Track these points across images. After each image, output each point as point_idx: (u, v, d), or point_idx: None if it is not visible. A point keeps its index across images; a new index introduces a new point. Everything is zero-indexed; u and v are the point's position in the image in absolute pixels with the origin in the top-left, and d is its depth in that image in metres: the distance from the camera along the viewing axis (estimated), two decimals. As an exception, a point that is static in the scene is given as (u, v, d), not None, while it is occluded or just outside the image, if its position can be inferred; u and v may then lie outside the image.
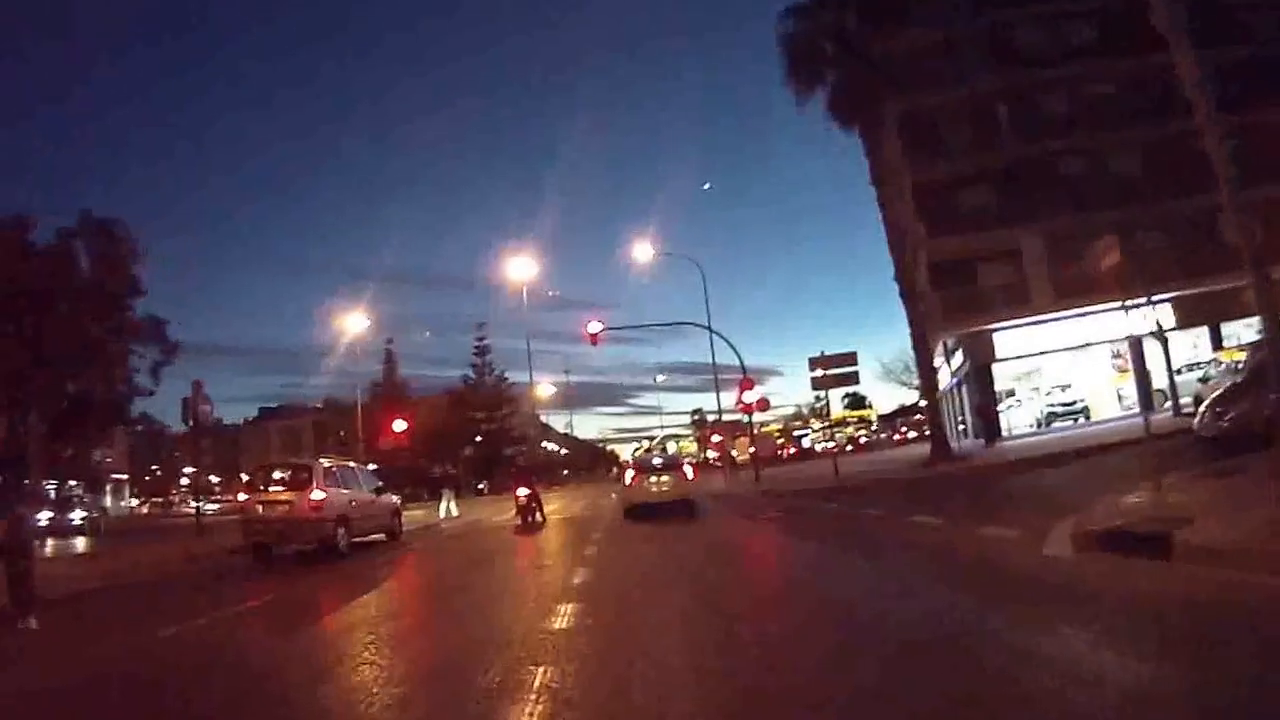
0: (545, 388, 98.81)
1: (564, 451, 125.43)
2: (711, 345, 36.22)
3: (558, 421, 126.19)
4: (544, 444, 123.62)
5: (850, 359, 23.86)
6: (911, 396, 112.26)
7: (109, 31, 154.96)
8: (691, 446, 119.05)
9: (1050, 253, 32.50)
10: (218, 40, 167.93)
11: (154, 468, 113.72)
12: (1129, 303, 27.21)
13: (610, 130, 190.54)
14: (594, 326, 33.82)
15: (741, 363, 32.43)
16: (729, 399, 53.02)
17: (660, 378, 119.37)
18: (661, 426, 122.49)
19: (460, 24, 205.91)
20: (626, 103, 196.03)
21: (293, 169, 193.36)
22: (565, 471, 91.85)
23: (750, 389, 32.03)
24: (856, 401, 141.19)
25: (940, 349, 38.91)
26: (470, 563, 14.78)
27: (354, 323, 58.82)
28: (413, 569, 15.57)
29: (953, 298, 31.79)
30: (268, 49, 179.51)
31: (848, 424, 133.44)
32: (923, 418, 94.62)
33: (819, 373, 23.77)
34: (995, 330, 32.32)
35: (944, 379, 44.65)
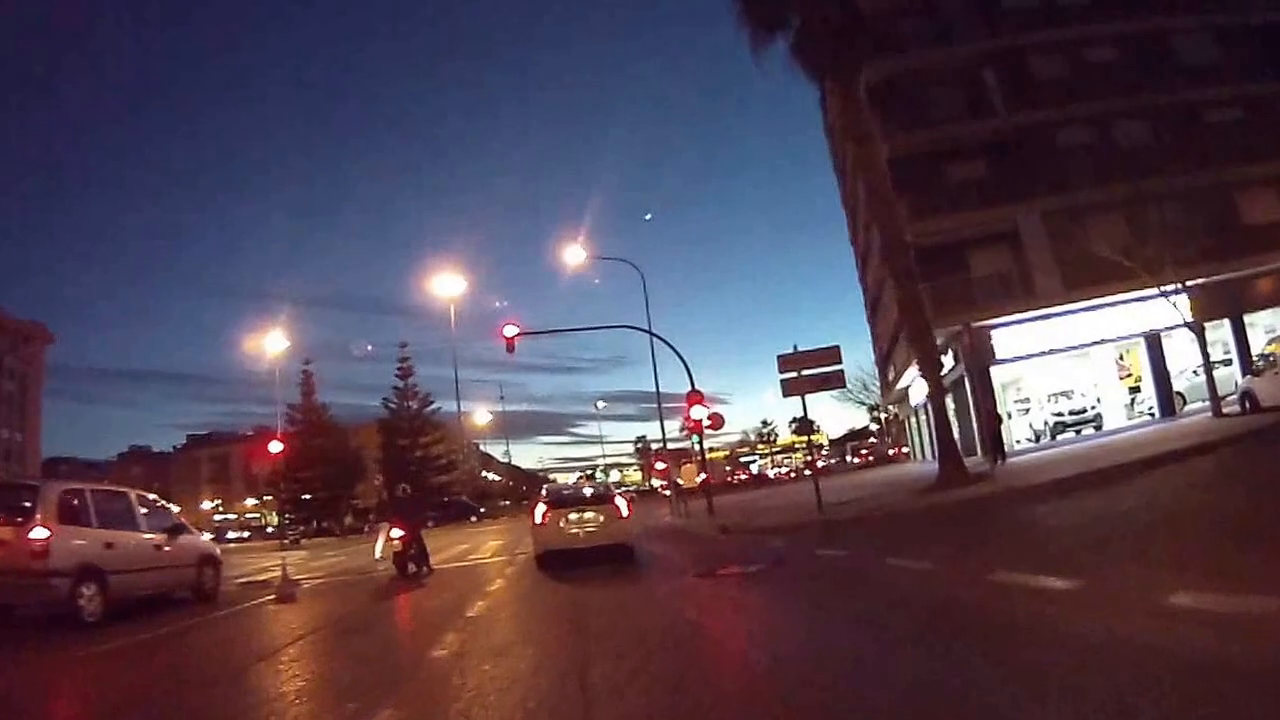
0: (482, 414, 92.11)
1: (510, 482, 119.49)
2: (653, 356, 30.71)
3: (498, 450, 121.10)
4: (484, 473, 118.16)
5: (831, 355, 18.20)
6: (862, 420, 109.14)
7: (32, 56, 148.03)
8: (636, 476, 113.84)
9: (1052, 234, 27.57)
10: (150, 62, 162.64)
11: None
12: (1150, 291, 22.43)
13: (546, 155, 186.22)
14: (509, 330, 28.29)
15: (689, 372, 26.77)
16: (674, 427, 47.34)
17: (600, 404, 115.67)
18: (604, 456, 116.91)
19: (397, 38, 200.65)
20: (566, 124, 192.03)
21: (225, 192, 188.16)
22: (505, 501, 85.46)
23: (699, 404, 26.34)
24: (805, 426, 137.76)
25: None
26: (255, 656, 8.64)
27: (275, 345, 53.35)
28: (138, 669, 9.27)
29: (941, 289, 26.50)
30: (203, 72, 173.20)
31: (796, 449, 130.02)
32: (875, 442, 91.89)
33: (791, 374, 18.05)
34: (995, 326, 27.14)
35: (919, 391, 39.49)
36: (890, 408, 60.27)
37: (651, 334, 29.06)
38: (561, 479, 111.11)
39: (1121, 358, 30.89)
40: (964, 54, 30.19)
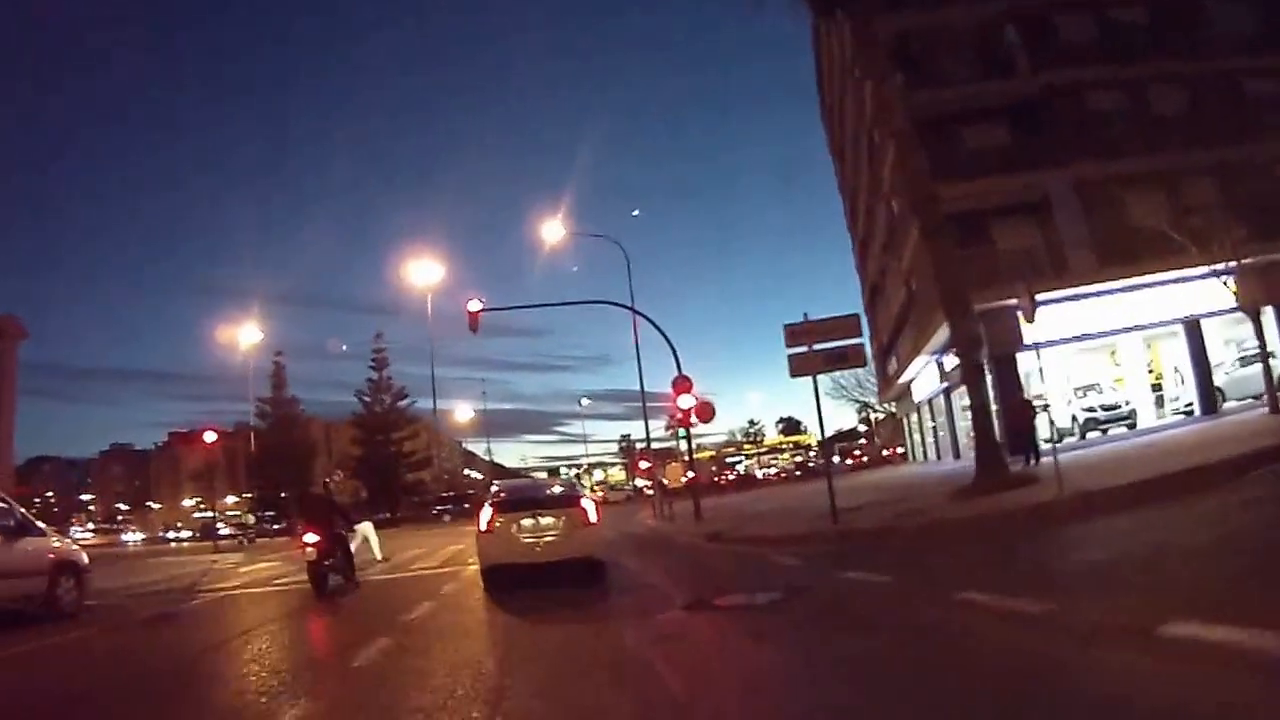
0: (464, 412, 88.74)
1: (491, 480, 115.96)
2: (635, 337, 27.36)
3: (481, 448, 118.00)
4: (467, 471, 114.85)
5: (848, 326, 14.90)
6: (849, 420, 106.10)
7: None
8: (621, 475, 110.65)
9: (1086, 206, 24.60)
10: (129, 61, 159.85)
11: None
12: (1193, 271, 19.47)
13: (527, 151, 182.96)
14: (473, 305, 25.14)
15: (675, 355, 23.57)
16: (660, 426, 44.09)
17: (585, 401, 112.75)
18: (587, 455, 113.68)
19: (372, 27, 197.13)
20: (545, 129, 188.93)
21: (206, 189, 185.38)
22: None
23: (686, 392, 23.12)
24: (792, 426, 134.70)
25: (920, 343, 30.56)
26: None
27: (249, 337, 50.37)
28: None
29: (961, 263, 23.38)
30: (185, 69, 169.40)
31: (783, 450, 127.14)
32: (864, 443, 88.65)
33: (799, 349, 14.78)
34: (1022, 307, 23.95)
35: (926, 383, 36.37)
36: (886, 406, 57.16)
37: (634, 310, 26.00)
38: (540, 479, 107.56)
39: (1147, 348, 28.02)
40: (983, 10, 27.22)
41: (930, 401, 38.06)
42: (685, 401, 22.96)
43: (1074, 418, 25.77)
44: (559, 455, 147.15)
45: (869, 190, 37.43)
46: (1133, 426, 25.24)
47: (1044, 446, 23.51)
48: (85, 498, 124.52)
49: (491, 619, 9.00)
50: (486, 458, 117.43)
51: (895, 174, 24.84)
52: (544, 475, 59.48)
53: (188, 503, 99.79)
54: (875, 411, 68.12)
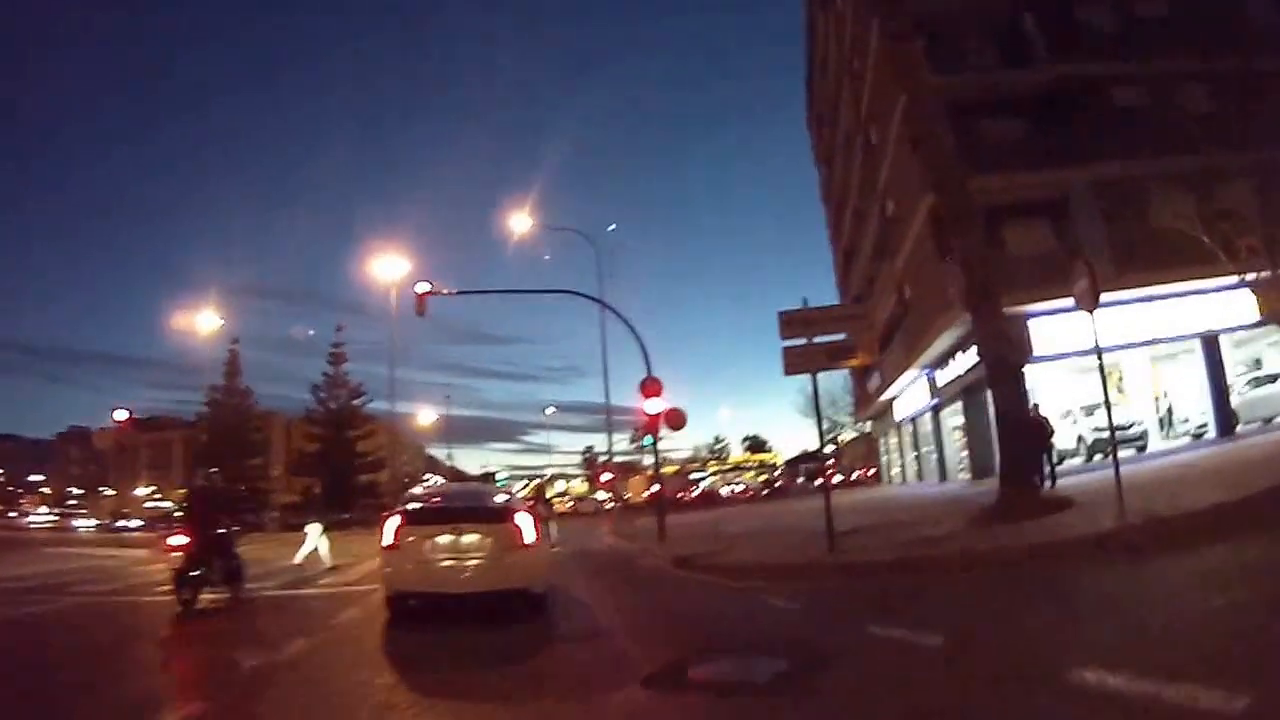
0: (428, 415, 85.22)
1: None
2: (603, 339, 24.93)
3: (444, 453, 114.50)
4: (427, 476, 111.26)
5: (855, 316, 12.34)
6: (815, 440, 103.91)
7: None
8: (584, 487, 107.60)
9: (1106, 208, 22.33)
10: (95, 47, 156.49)
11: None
12: (1216, 282, 17.06)
13: (497, 152, 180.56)
14: (421, 287, 22.41)
15: (645, 354, 20.91)
16: (622, 440, 41.33)
17: (550, 410, 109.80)
18: (551, 465, 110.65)
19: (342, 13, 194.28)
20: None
21: (172, 179, 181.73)
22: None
23: (656, 395, 20.44)
24: (757, 444, 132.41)
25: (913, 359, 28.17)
26: None
27: (208, 323, 47.34)
28: None
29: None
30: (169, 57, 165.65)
31: (748, 468, 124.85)
32: (832, 465, 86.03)
33: (797, 341, 12.12)
34: (1033, 315, 21.64)
35: (911, 401, 33.97)
36: (859, 426, 54.81)
37: (601, 302, 23.36)
38: (515, 490, 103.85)
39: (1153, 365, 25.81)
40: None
41: (914, 420, 35.67)
42: (654, 406, 20.28)
43: (1080, 438, 23.42)
44: (523, 465, 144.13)
45: (860, 195, 35.13)
46: (1143, 449, 22.97)
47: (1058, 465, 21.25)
48: (37, 478, 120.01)
49: (363, 686, 6.22)
50: (448, 463, 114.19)
51: (919, 143, 22.51)
52: (478, 482, 53.74)
53: (141, 491, 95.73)
54: (851, 431, 65.37)
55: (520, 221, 28.52)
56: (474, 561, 8.84)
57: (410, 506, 9.63)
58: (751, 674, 5.81)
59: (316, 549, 17.67)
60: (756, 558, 12.73)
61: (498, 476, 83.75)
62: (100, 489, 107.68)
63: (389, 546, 9.03)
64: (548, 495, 30.23)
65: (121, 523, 69.06)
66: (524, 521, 9.22)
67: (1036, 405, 18.06)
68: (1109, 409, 12.58)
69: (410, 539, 8.96)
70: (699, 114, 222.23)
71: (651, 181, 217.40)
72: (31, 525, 68.74)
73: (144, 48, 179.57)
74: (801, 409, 65.88)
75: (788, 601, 8.67)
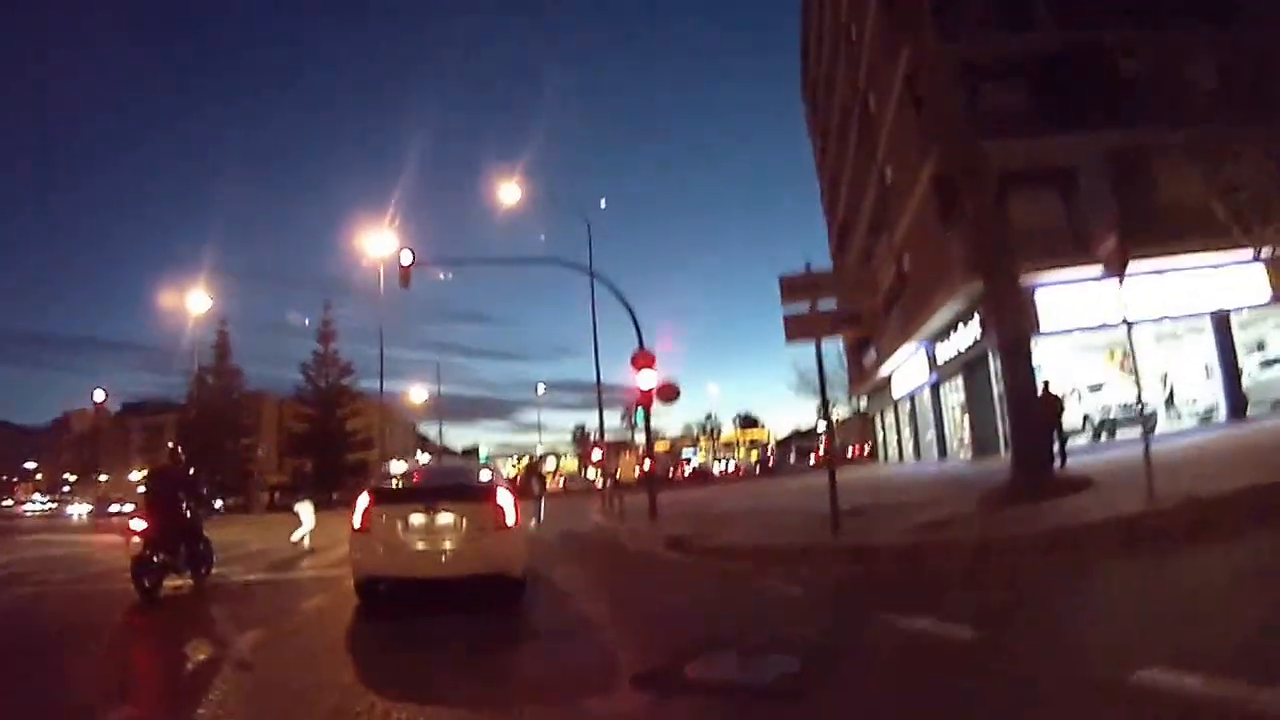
0: (419, 394, 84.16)
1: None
2: (594, 312, 24.14)
3: (435, 432, 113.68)
4: (419, 454, 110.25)
5: (862, 281, 11.60)
6: (809, 418, 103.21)
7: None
8: (574, 465, 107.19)
9: (1116, 177, 21.58)
10: (78, 33, 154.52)
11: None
12: (1229, 257, 16.35)
13: (487, 125, 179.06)
14: (405, 258, 21.48)
15: (637, 326, 20.09)
16: (613, 417, 40.56)
17: (541, 388, 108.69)
18: (542, 444, 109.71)
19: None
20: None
21: (162, 164, 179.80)
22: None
23: (648, 367, 19.65)
24: (749, 422, 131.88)
25: (915, 332, 27.42)
26: None
27: (198, 305, 46.57)
28: None
29: (973, 238, 20.34)
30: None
31: (738, 445, 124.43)
32: (824, 443, 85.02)
33: (799, 307, 11.30)
34: (1041, 286, 20.90)
35: (909, 377, 33.25)
36: (854, 403, 54.12)
37: (590, 272, 22.55)
38: (505, 468, 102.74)
39: (1125, 354, 25.04)
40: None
41: (912, 397, 34.95)
42: (646, 379, 19.48)
43: (1086, 417, 22.73)
44: (514, 443, 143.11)
45: (857, 165, 34.27)
46: (1151, 430, 22.21)
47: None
48: (30, 466, 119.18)
49: (315, 687, 5.47)
50: (439, 442, 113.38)
51: (914, 118, 21.75)
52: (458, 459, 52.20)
53: (135, 475, 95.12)
54: (845, 407, 64.56)
55: (509, 192, 27.51)
56: (449, 544, 8.12)
57: (382, 485, 8.88)
58: (757, 674, 5.08)
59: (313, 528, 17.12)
60: (754, 539, 11.99)
61: (483, 453, 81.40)
62: (94, 474, 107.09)
63: (358, 529, 8.30)
64: (541, 470, 29.23)
65: (115, 507, 68.38)
66: (505, 501, 8.48)
67: (1047, 382, 17.30)
68: (1139, 384, 12.06)
69: (381, 520, 8.22)
70: (689, 88, 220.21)
71: (640, 158, 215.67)
72: (26, 514, 68.29)
73: (125, 29, 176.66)
74: (794, 385, 65.24)
75: (792, 587, 7.94)
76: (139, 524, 10.35)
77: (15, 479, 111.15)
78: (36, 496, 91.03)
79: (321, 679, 5.58)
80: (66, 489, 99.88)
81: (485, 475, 9.62)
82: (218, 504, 66.27)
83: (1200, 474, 10.32)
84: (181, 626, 8.38)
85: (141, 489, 11.58)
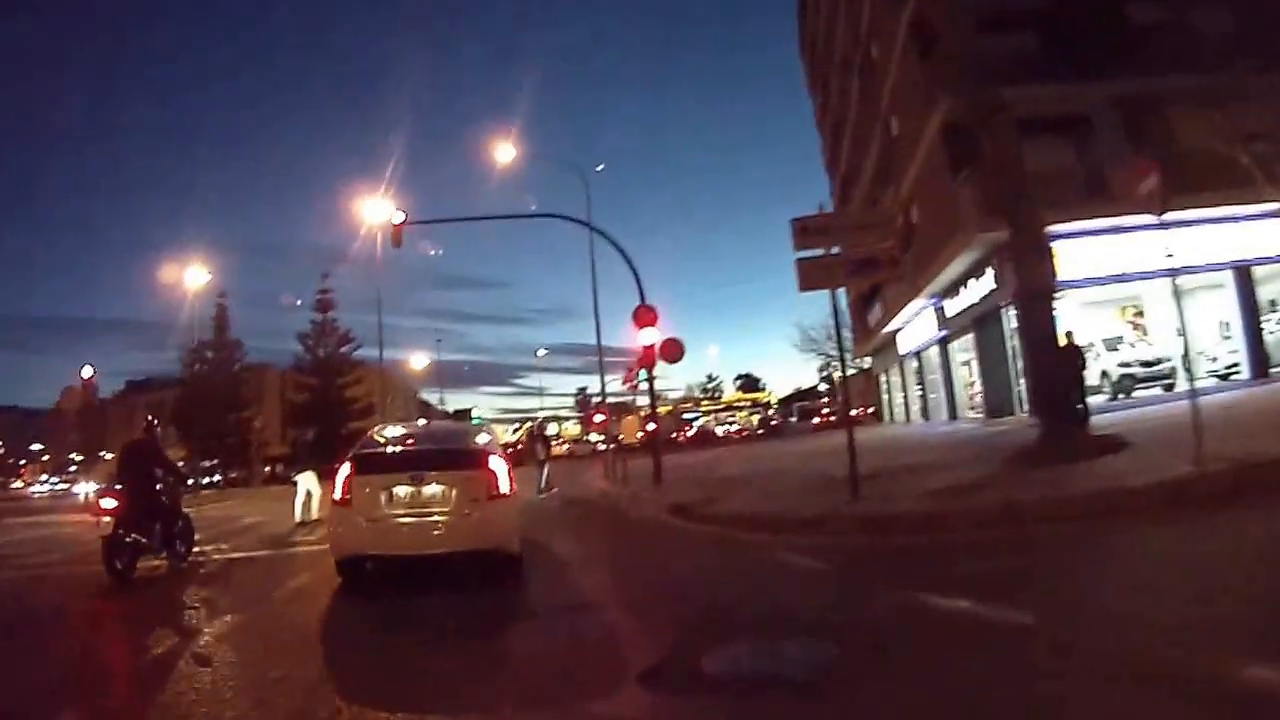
0: (419, 361, 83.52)
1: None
2: (593, 270, 23.44)
3: (436, 399, 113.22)
4: (420, 421, 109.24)
5: (882, 222, 10.76)
6: (810, 378, 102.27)
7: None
8: (575, 429, 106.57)
9: (1129, 124, 20.73)
10: (71, 12, 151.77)
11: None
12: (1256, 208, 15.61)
13: (482, 90, 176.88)
14: (396, 217, 20.76)
15: (638, 279, 19.34)
16: (615, 380, 39.77)
17: (541, 352, 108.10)
18: (543, 409, 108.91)
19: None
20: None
21: (159, 139, 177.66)
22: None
23: (650, 325, 18.91)
24: (751, 383, 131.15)
25: (920, 288, 26.63)
26: None
27: (195, 279, 45.98)
28: None
29: (988, 187, 19.52)
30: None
31: (741, 407, 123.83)
32: (828, 403, 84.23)
33: (814, 251, 10.40)
34: (1059, 236, 20.05)
35: (916, 334, 32.54)
36: (858, 362, 53.35)
37: (589, 226, 21.78)
38: (504, 434, 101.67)
39: (1138, 313, 24.30)
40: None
41: (919, 355, 34.21)
42: (648, 336, 18.73)
43: (1105, 374, 22.00)
44: (515, 408, 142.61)
45: (859, 118, 33.27)
46: (1170, 388, 21.54)
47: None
48: (36, 447, 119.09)
49: (280, 683, 4.81)
50: (441, 407, 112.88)
51: (921, 65, 20.86)
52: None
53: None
54: (849, 368, 63.55)
55: (504, 152, 26.63)
56: (438, 517, 7.43)
57: (363, 452, 8.16)
58: (784, 666, 4.39)
59: (310, 499, 16.39)
60: (765, 506, 11.32)
61: (475, 414, 76.76)
62: (100, 454, 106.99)
63: (338, 501, 7.62)
64: (547, 433, 28.50)
65: (120, 485, 68.06)
66: (499, 467, 7.78)
67: (1070, 333, 16.48)
68: (1185, 339, 11.20)
69: (363, 491, 7.53)
70: (685, 43, 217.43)
71: (635, 115, 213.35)
72: (34, 495, 68.35)
73: (119, 8, 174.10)
74: (797, 343, 64.29)
75: (811, 560, 7.28)
76: (109, 502, 9.68)
77: (23, 461, 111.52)
78: (44, 477, 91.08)
79: (288, 671, 4.95)
80: (73, 469, 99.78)
81: (483, 439, 8.87)
82: (216, 477, 66.23)
83: (1245, 434, 9.64)
84: (146, 613, 7.73)
85: (114, 466, 10.91)
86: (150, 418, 11.50)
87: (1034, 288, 11.58)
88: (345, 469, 7.73)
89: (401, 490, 7.46)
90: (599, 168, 52.25)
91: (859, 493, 10.02)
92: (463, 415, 65.91)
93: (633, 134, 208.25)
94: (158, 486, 10.28)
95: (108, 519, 9.50)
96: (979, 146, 16.87)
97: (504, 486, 7.69)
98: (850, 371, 66.40)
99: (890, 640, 4.55)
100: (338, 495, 7.63)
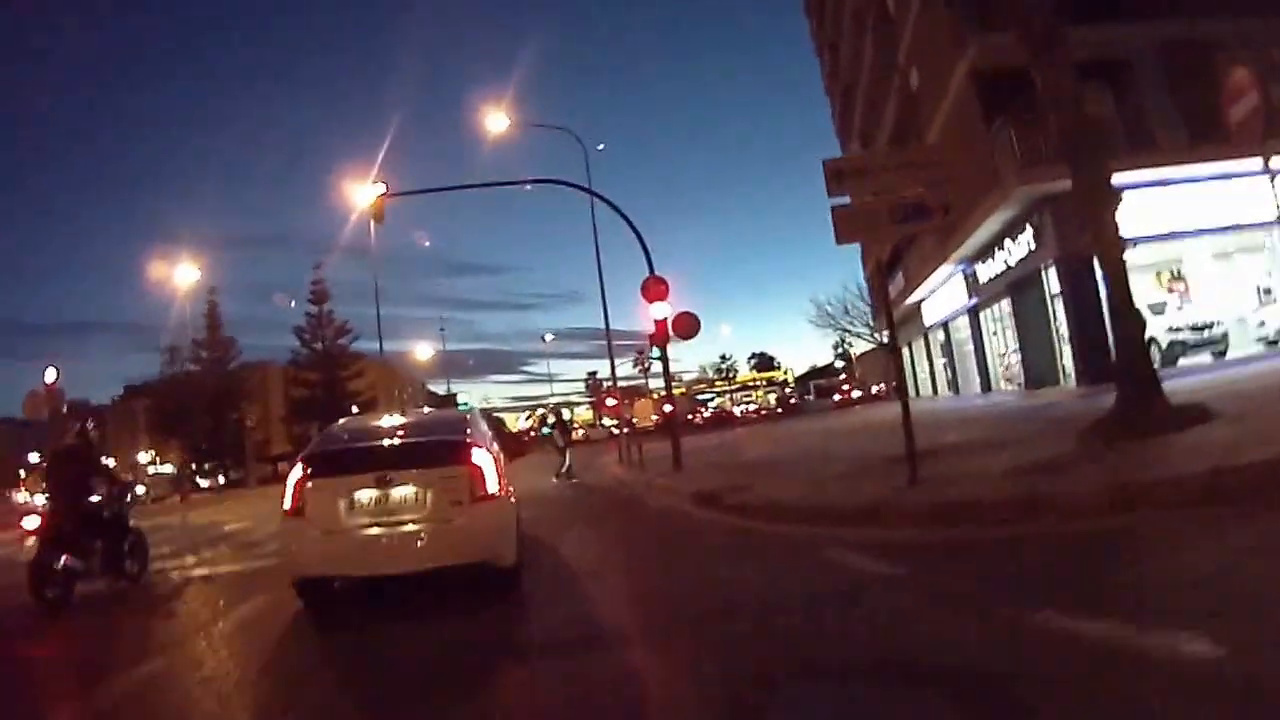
0: (424, 351, 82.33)
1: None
2: (594, 225, 22.23)
3: (444, 389, 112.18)
4: (424, 409, 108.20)
5: (930, 157, 9.32)
6: (825, 355, 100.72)
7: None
8: (588, 414, 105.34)
9: (1174, 71, 19.21)
10: (62, 10, 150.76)
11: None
12: None
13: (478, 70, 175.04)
14: (377, 189, 19.56)
15: (646, 251, 17.94)
16: (625, 363, 38.37)
17: (549, 337, 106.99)
18: (553, 395, 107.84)
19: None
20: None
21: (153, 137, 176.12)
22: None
23: (661, 299, 17.47)
24: (765, 362, 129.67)
25: (954, 251, 25.11)
26: None
27: (187, 277, 45.07)
28: None
29: (1031, 134, 18.06)
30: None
31: (756, 386, 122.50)
32: (845, 379, 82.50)
33: (848, 200, 8.86)
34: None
35: (943, 303, 31.04)
36: (878, 335, 51.84)
37: (591, 192, 20.43)
38: (514, 422, 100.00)
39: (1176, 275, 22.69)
40: None
41: (947, 325, 32.71)
42: (659, 310, 17.29)
43: (1153, 340, 20.44)
44: (525, 395, 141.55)
45: (874, 74, 31.64)
46: (1222, 354, 20.06)
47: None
48: (34, 458, 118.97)
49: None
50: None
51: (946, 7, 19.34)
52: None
53: (142, 457, 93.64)
54: (868, 342, 61.82)
55: (498, 121, 25.14)
56: (411, 526, 6.04)
57: (319, 450, 6.76)
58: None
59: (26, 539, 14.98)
60: (803, 493, 9.93)
61: (462, 401, 73.85)
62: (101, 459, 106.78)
63: (289, 511, 6.22)
64: (565, 418, 27.18)
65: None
66: (484, 461, 6.37)
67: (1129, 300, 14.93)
68: (1266, 296, 9.63)
69: (319, 498, 6.15)
70: (691, 14, 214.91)
71: (641, 85, 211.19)
72: (40, 506, 67.56)
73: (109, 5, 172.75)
74: (813, 318, 62.63)
75: (875, 562, 5.85)
76: (32, 520, 8.35)
77: (24, 472, 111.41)
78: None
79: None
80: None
81: (465, 428, 7.17)
82: (220, 479, 65.12)
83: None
84: (59, 655, 6.41)
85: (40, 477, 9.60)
86: (85, 422, 10.13)
87: (1107, 242, 10.04)
88: (296, 471, 6.34)
89: (365, 495, 6.07)
90: (600, 146, 50.79)
91: (921, 478, 8.56)
92: (449, 402, 63.19)
93: (639, 113, 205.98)
94: (95, 499, 8.91)
95: (32, 540, 8.16)
96: (1017, 91, 15.44)
97: (491, 485, 6.29)
98: (875, 345, 64.91)
99: (1021, 690, 3.13)
100: (287, 504, 6.24)
